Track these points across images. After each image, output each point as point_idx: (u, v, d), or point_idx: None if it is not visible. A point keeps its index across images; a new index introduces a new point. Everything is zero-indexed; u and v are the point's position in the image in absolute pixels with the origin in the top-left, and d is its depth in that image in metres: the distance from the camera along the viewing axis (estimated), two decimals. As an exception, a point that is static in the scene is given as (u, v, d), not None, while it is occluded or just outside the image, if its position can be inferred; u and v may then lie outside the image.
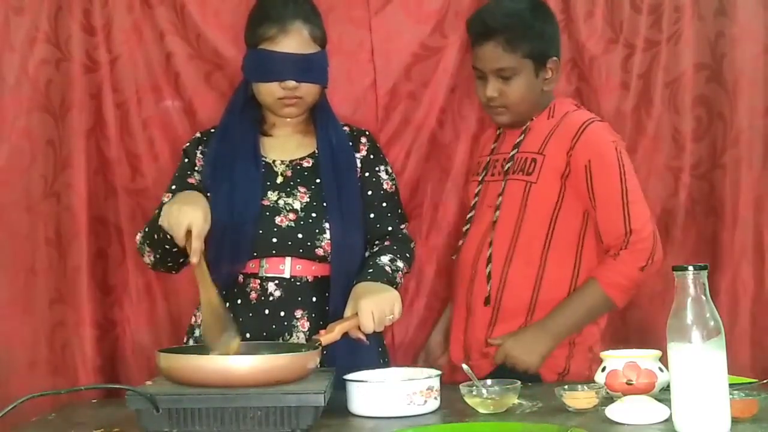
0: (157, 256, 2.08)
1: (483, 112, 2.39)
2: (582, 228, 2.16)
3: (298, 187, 2.13)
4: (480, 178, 2.31)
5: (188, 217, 1.86)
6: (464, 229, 2.30)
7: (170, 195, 2.12)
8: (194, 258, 1.85)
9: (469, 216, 2.30)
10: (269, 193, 2.12)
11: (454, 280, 2.33)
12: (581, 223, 2.16)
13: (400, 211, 2.22)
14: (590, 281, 2.13)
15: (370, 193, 2.18)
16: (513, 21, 2.16)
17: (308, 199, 2.12)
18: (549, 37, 2.23)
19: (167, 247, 2.00)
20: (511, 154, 2.24)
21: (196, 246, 1.85)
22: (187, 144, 2.23)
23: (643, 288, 2.44)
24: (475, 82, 2.26)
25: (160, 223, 1.92)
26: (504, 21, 2.16)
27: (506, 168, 2.23)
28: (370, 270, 2.03)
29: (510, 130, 2.28)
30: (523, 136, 2.23)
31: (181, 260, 2.08)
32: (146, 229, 2.09)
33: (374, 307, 1.90)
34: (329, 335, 1.88)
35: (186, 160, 2.19)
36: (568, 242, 2.16)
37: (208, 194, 2.11)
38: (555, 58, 2.22)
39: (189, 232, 1.85)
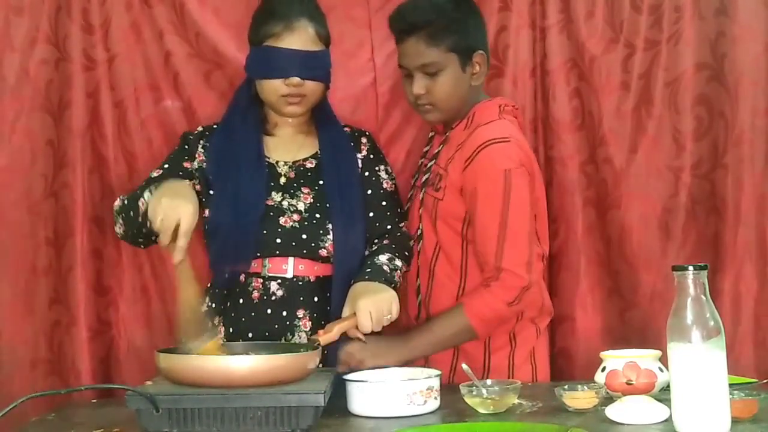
0: (129, 232, 2.07)
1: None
2: None
3: (302, 189, 2.14)
4: (413, 183, 2.28)
5: (177, 212, 1.82)
6: None
7: (161, 172, 2.12)
8: (178, 256, 1.83)
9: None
10: (273, 194, 2.12)
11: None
12: None
13: (399, 209, 2.22)
14: (458, 306, 2.04)
15: (369, 192, 2.18)
16: (434, 14, 2.09)
17: (312, 200, 2.12)
18: (473, 30, 2.15)
19: (144, 230, 1.99)
20: (429, 165, 2.21)
21: (182, 244, 1.83)
22: (189, 133, 2.22)
23: (642, 288, 2.45)
24: (402, 81, 2.20)
25: (149, 215, 1.87)
26: (424, 15, 2.09)
27: (424, 180, 2.20)
28: (369, 269, 2.03)
29: (438, 136, 2.25)
30: (442, 146, 2.19)
31: (153, 239, 2.01)
32: (125, 202, 2.06)
33: (372, 306, 1.91)
34: (327, 335, 1.88)
35: (186, 146, 2.18)
36: None
37: (211, 192, 2.11)
38: (481, 51, 2.15)
39: (176, 228, 1.82)
